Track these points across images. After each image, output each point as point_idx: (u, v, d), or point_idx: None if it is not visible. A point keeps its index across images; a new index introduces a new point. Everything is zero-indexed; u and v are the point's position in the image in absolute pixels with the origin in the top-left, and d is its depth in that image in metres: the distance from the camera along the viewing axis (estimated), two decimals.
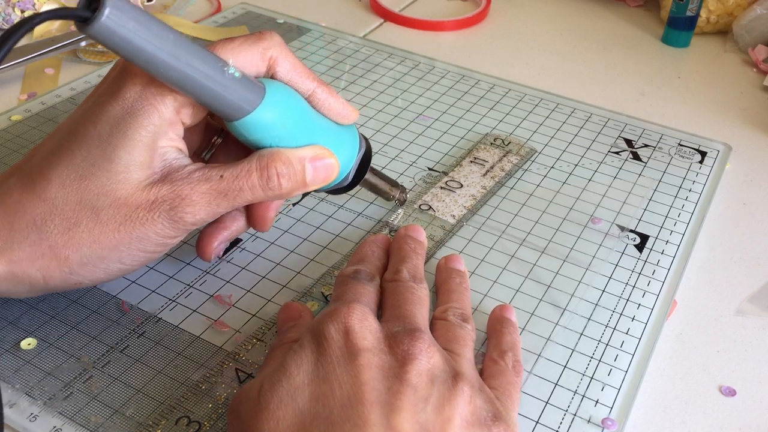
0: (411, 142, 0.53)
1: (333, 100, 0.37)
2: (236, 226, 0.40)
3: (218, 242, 0.40)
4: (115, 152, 0.32)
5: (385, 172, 0.50)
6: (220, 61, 0.32)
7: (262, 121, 0.33)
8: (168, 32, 0.30)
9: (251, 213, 0.40)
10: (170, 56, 0.30)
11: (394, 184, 0.45)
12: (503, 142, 0.53)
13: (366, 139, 0.41)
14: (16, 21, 0.68)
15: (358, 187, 0.42)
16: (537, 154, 0.52)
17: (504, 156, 0.51)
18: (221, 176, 0.34)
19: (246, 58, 0.34)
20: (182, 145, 0.35)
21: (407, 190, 0.46)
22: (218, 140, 0.39)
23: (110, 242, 0.33)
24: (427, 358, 0.30)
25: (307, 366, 0.30)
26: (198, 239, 0.40)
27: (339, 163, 0.37)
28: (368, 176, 0.42)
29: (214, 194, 0.34)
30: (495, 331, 0.37)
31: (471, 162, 0.50)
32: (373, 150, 0.52)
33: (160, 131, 0.33)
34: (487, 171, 0.49)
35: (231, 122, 0.33)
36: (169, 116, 0.33)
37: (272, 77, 0.35)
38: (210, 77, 0.31)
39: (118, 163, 0.32)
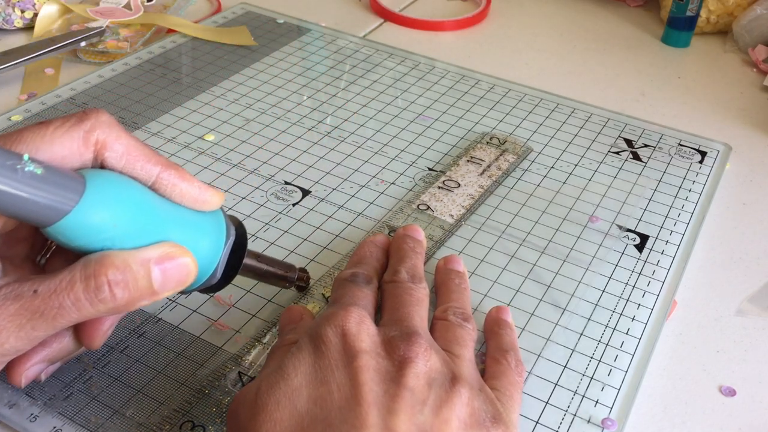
0: (411, 142, 0.53)
1: (186, 184, 0.31)
2: (59, 344, 0.32)
3: (32, 364, 0.31)
4: None
5: (385, 172, 0.50)
6: (13, 157, 0.25)
7: (83, 223, 0.27)
8: None
9: (77, 325, 0.32)
10: None
11: (288, 267, 0.38)
12: (499, 140, 0.53)
13: (239, 224, 0.34)
14: (16, 21, 0.68)
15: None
16: (537, 154, 0.52)
17: (500, 155, 0.51)
18: (35, 291, 0.27)
19: (64, 146, 0.28)
20: None
21: (307, 272, 0.40)
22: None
23: None
24: (424, 361, 0.30)
25: (304, 368, 0.30)
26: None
27: (196, 261, 0.30)
28: (250, 265, 0.36)
29: (27, 315, 0.27)
30: (493, 332, 0.37)
31: (468, 161, 0.50)
32: (372, 151, 0.52)
33: None
34: (484, 170, 0.49)
35: (44, 228, 0.27)
36: None
37: (102, 165, 0.29)
38: None
39: None
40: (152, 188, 0.30)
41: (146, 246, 0.29)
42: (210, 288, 0.33)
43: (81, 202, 0.27)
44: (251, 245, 0.43)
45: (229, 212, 0.46)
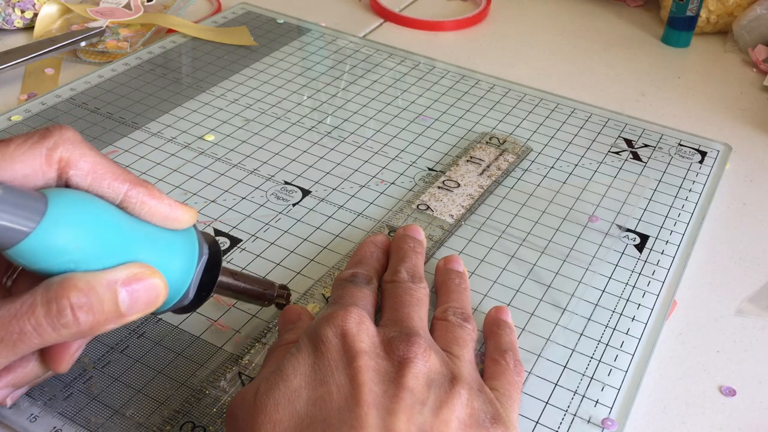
0: (411, 142, 0.53)
1: (155, 202, 0.29)
2: (24, 369, 0.31)
3: None
4: None
5: (385, 172, 0.50)
6: None
7: (44, 245, 0.26)
8: None
9: (42, 349, 0.30)
10: None
11: (267, 284, 0.37)
12: (499, 140, 0.53)
13: (213, 242, 0.33)
14: (16, 21, 0.68)
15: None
16: (536, 153, 0.52)
17: (500, 155, 0.51)
18: None
19: (25, 165, 0.27)
20: None
21: (288, 289, 0.38)
22: None
23: None
24: (423, 362, 0.30)
25: (304, 369, 0.29)
26: None
27: (166, 282, 0.29)
28: (226, 283, 0.34)
29: None
30: (492, 333, 0.37)
31: (468, 161, 0.50)
32: (372, 151, 0.52)
33: None
34: (484, 170, 0.49)
35: (4, 251, 0.26)
36: None
37: (66, 184, 0.28)
38: None
39: None
40: (120, 207, 0.29)
41: (113, 267, 0.27)
42: (183, 309, 0.32)
43: (41, 223, 0.25)
44: (251, 245, 0.43)
45: (229, 213, 0.46)
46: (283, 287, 0.38)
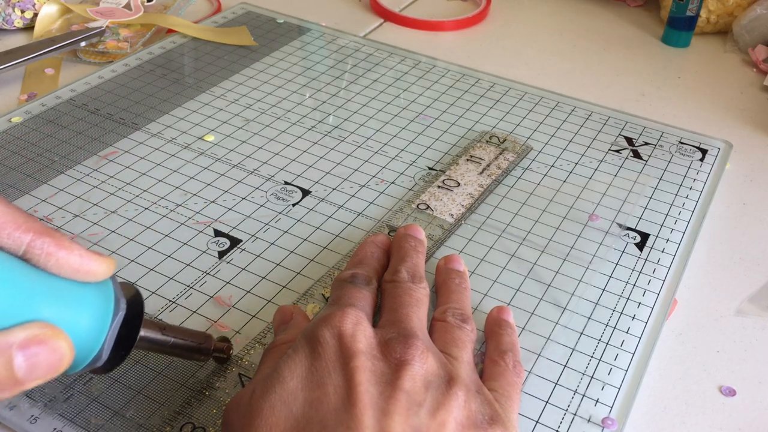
0: (411, 142, 0.53)
1: (63, 253, 0.26)
2: None
3: None
4: None
5: (385, 172, 0.50)
6: None
7: None
8: None
9: None
10: None
11: (203, 337, 0.34)
12: (499, 139, 0.53)
13: (134, 293, 0.30)
14: (16, 21, 0.68)
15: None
16: (537, 152, 0.52)
17: (500, 154, 0.51)
18: None
19: None
20: None
21: (228, 341, 0.35)
22: None
23: None
24: (420, 363, 0.30)
25: (300, 371, 0.29)
26: None
27: (72, 344, 0.26)
28: (152, 338, 0.31)
29: None
30: (493, 333, 0.37)
31: (467, 160, 0.50)
32: (372, 150, 0.52)
33: None
34: (484, 169, 0.49)
35: None
36: None
37: None
38: None
39: None
40: (24, 259, 0.26)
41: (10, 328, 0.24)
42: (100, 369, 0.29)
43: None
44: (251, 245, 0.43)
45: (229, 213, 0.46)
46: (224, 339, 0.35)
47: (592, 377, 0.36)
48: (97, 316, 0.27)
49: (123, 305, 0.29)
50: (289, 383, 0.29)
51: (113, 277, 0.29)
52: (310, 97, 0.58)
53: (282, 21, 0.70)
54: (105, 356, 0.28)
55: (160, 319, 0.35)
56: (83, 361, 0.28)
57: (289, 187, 0.48)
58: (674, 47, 0.70)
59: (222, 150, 0.51)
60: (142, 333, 0.30)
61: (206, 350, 0.34)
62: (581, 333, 0.38)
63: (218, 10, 0.73)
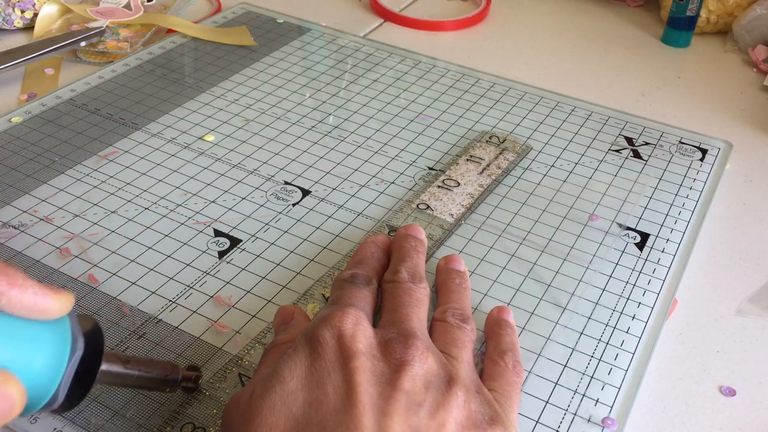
0: (411, 142, 0.53)
1: (16, 292, 0.25)
2: None
3: None
4: None
5: (385, 172, 0.50)
6: None
7: None
8: None
9: None
10: None
11: (170, 368, 0.32)
12: (499, 139, 0.53)
13: (93, 328, 0.29)
14: (16, 21, 0.68)
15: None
16: (537, 152, 0.52)
17: (500, 153, 0.51)
18: None
19: None
20: None
21: (198, 370, 0.34)
22: None
23: None
24: (420, 364, 0.30)
25: (300, 371, 0.29)
26: None
27: (23, 388, 0.25)
28: (114, 372, 0.30)
29: None
30: (493, 333, 0.37)
31: (467, 160, 0.50)
32: (372, 150, 0.52)
33: None
34: (484, 169, 0.49)
35: None
36: None
37: None
38: None
39: None
40: None
41: None
42: (57, 409, 0.27)
43: None
44: (251, 245, 0.43)
45: (229, 213, 0.46)
46: (194, 368, 0.34)
47: (592, 377, 0.36)
48: (53, 356, 0.26)
49: (80, 344, 0.27)
50: (289, 383, 0.29)
51: (71, 313, 0.28)
52: (310, 97, 0.58)
53: (282, 21, 0.70)
54: (61, 398, 0.27)
55: (122, 351, 0.34)
56: (38, 404, 0.26)
57: (289, 187, 0.48)
58: (674, 47, 0.70)
59: (222, 150, 0.51)
60: (104, 367, 0.29)
61: (173, 381, 0.33)
62: (581, 333, 0.38)
63: (218, 10, 0.73)
